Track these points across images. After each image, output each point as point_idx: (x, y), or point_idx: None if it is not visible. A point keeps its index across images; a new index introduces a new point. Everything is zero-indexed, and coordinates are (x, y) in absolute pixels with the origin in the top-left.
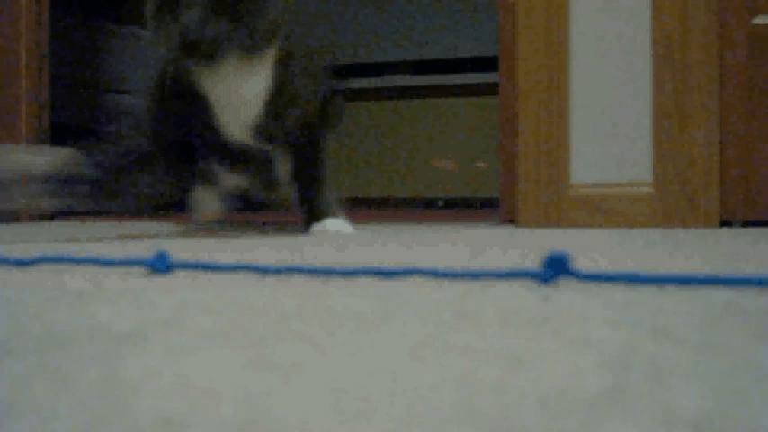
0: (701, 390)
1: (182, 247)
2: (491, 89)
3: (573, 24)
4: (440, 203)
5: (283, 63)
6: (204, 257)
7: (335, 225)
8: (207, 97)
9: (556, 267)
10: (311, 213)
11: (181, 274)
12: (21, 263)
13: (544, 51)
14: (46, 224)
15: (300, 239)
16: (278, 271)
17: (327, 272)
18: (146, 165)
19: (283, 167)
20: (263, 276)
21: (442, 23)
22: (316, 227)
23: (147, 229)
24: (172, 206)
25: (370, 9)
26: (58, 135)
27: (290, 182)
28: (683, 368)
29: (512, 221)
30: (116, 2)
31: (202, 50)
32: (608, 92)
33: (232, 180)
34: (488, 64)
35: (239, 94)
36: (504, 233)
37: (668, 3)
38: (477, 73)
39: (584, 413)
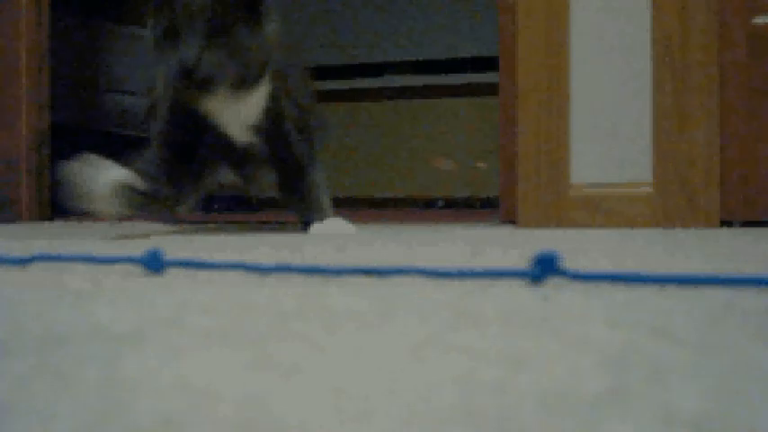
0: (700, 390)
1: (179, 246)
2: (491, 89)
3: (573, 24)
4: (440, 203)
5: (274, 94)
6: (203, 256)
7: (336, 225)
8: (206, 117)
9: (545, 267)
10: (310, 214)
11: (180, 273)
12: (18, 261)
13: (544, 51)
14: (46, 224)
15: (300, 239)
16: (273, 270)
17: (322, 271)
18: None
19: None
20: (261, 275)
21: (442, 23)
22: (316, 226)
23: (146, 229)
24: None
25: (370, 9)
26: (58, 135)
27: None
28: (683, 368)
29: (512, 221)
30: (116, 2)
31: (199, 83)
32: (608, 92)
33: (229, 179)
34: (488, 64)
35: (233, 118)
36: (504, 233)
37: (668, 3)
38: (477, 73)
39: (584, 413)
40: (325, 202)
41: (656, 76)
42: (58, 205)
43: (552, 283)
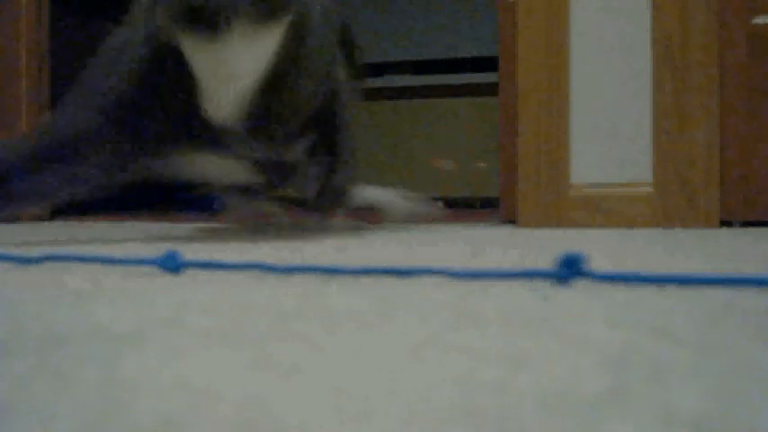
0: (700, 390)
1: (180, 247)
2: (491, 89)
3: (573, 24)
4: (440, 203)
5: (295, 36)
6: (203, 256)
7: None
8: (195, 73)
9: (570, 268)
10: (324, 206)
11: (186, 273)
12: (29, 261)
13: (544, 51)
14: (46, 224)
15: (299, 239)
16: (289, 270)
17: (336, 271)
18: (57, 161)
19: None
20: (275, 275)
21: (442, 23)
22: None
23: (144, 229)
24: (172, 206)
25: (370, 9)
26: None
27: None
28: (683, 368)
29: (512, 221)
30: (116, 2)
31: (205, 19)
32: (608, 92)
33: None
34: (488, 64)
35: (237, 69)
36: (504, 233)
37: (668, 3)
38: (477, 73)
39: (584, 413)
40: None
41: (656, 76)
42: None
43: (578, 284)
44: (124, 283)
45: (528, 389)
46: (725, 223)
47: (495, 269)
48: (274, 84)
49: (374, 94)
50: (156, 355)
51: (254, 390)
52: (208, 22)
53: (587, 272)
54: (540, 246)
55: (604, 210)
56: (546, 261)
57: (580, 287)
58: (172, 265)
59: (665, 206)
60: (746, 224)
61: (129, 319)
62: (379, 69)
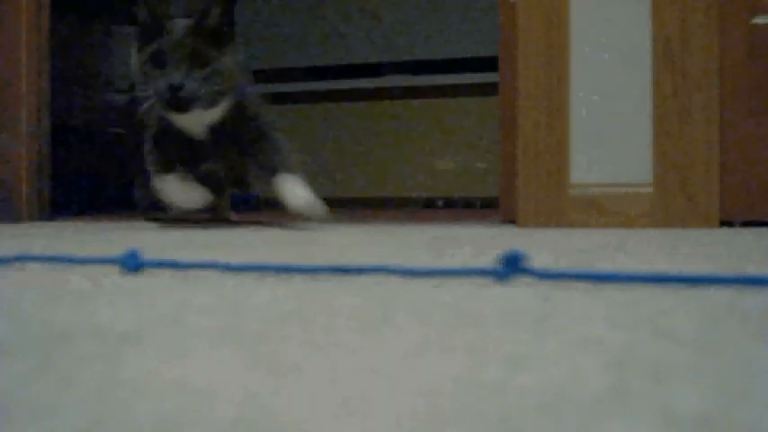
0: (701, 389)
1: (181, 246)
2: (491, 89)
3: (573, 24)
4: (440, 203)
5: (234, 109)
6: (205, 256)
7: (303, 191)
8: (179, 127)
9: (511, 265)
10: (274, 165)
11: (180, 273)
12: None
13: (544, 51)
14: (47, 224)
15: (301, 239)
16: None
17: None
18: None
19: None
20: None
21: (442, 23)
22: (284, 177)
23: (142, 228)
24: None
25: (371, 9)
26: (58, 135)
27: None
28: (683, 368)
29: (512, 221)
30: (116, 2)
31: (181, 106)
32: (608, 92)
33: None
34: (488, 64)
35: (198, 126)
36: (503, 233)
37: (668, 3)
38: (477, 73)
39: (584, 413)
40: (291, 158)
41: (656, 76)
42: (57, 205)
43: (518, 281)
44: (124, 283)
45: (528, 389)
46: (725, 223)
47: (442, 268)
48: (229, 120)
49: (374, 94)
50: (156, 355)
51: (254, 390)
52: (183, 108)
53: (528, 269)
54: (540, 246)
55: (604, 210)
56: (548, 260)
57: (581, 287)
58: (132, 264)
59: (665, 206)
60: (746, 224)
61: (129, 319)
62: (379, 69)
